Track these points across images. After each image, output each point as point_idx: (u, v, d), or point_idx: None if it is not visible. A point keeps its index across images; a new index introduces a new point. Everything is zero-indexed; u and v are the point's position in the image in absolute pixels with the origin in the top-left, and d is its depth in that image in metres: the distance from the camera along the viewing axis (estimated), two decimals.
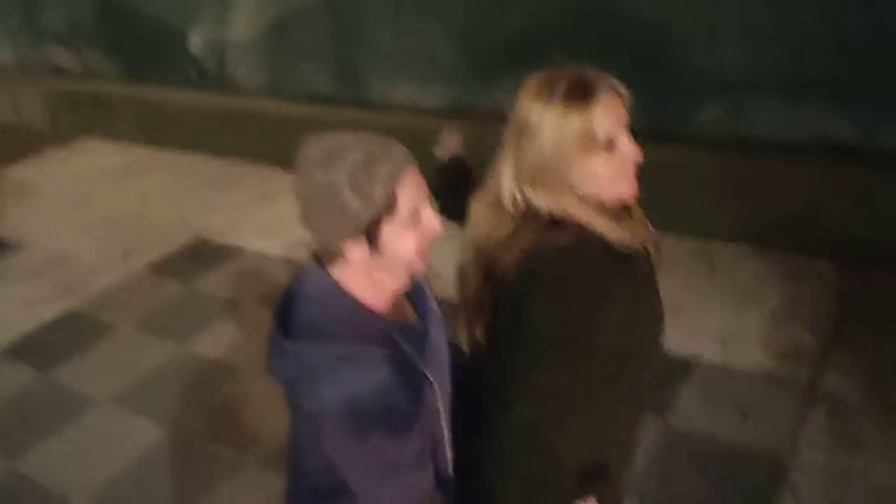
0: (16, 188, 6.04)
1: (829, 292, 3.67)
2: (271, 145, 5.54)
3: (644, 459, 2.75)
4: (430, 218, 1.34)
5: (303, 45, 5.57)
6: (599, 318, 1.35)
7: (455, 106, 5.01)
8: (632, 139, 1.37)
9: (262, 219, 5.07)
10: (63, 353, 3.84)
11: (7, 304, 4.34)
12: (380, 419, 1.27)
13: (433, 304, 1.53)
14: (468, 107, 4.90)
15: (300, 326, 1.32)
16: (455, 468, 1.51)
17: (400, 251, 1.32)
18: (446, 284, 1.69)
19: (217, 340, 3.82)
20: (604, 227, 1.37)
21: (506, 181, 1.41)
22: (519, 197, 1.40)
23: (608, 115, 1.33)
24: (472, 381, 1.56)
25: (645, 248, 1.44)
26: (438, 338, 1.49)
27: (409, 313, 1.47)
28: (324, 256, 1.36)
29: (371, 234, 1.29)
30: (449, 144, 1.84)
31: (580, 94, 1.33)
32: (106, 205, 5.60)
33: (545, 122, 1.34)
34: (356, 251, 1.29)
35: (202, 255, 4.74)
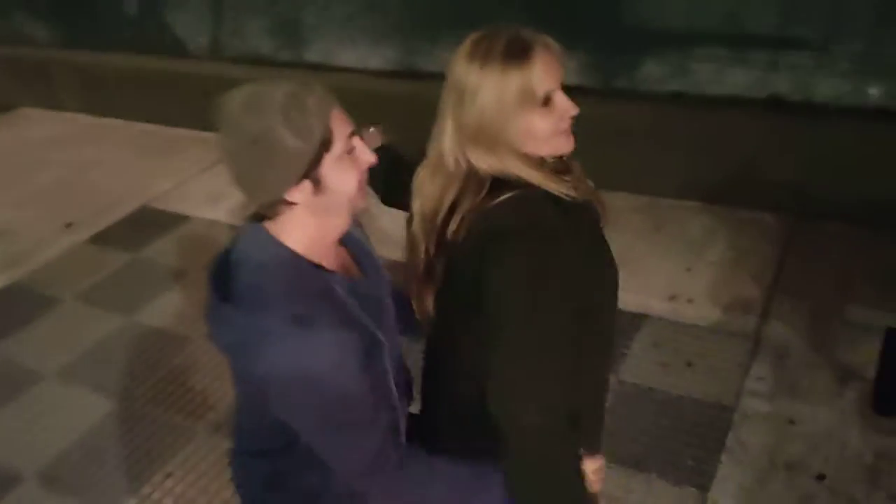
0: None
1: (772, 243, 3.75)
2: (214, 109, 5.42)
3: None
4: (363, 148, 1.32)
5: (244, 5, 5.44)
6: (558, 264, 1.36)
7: (400, 67, 4.96)
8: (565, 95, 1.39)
9: (208, 185, 4.98)
10: (7, 327, 3.76)
11: None
12: (331, 381, 1.25)
13: (376, 262, 1.53)
14: (413, 67, 4.86)
15: (243, 291, 1.29)
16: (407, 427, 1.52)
17: (343, 186, 1.29)
18: (390, 247, 1.69)
19: (164, 310, 3.78)
20: (547, 182, 1.38)
21: (447, 145, 1.40)
22: (462, 159, 1.39)
23: (546, 71, 1.34)
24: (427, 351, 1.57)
25: (589, 202, 1.46)
26: (384, 295, 1.49)
27: (355, 271, 1.46)
28: (265, 213, 1.32)
29: (313, 174, 1.25)
30: (371, 142, 1.80)
31: (517, 53, 1.33)
32: (47, 176, 5.45)
33: (484, 82, 1.33)
34: (298, 196, 1.26)
35: (147, 223, 4.66)
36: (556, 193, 1.38)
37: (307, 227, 1.31)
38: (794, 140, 3.85)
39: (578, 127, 1.41)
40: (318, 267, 1.32)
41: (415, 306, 1.55)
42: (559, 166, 1.44)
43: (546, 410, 1.35)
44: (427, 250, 1.48)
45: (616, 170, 3.78)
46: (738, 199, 4.04)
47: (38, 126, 6.45)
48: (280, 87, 1.24)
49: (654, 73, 4.19)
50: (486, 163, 1.37)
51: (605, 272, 1.51)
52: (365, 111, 1.53)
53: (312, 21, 5.21)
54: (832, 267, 3.52)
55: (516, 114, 1.34)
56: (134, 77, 6.03)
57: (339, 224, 1.36)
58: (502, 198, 1.36)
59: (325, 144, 1.25)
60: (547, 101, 1.35)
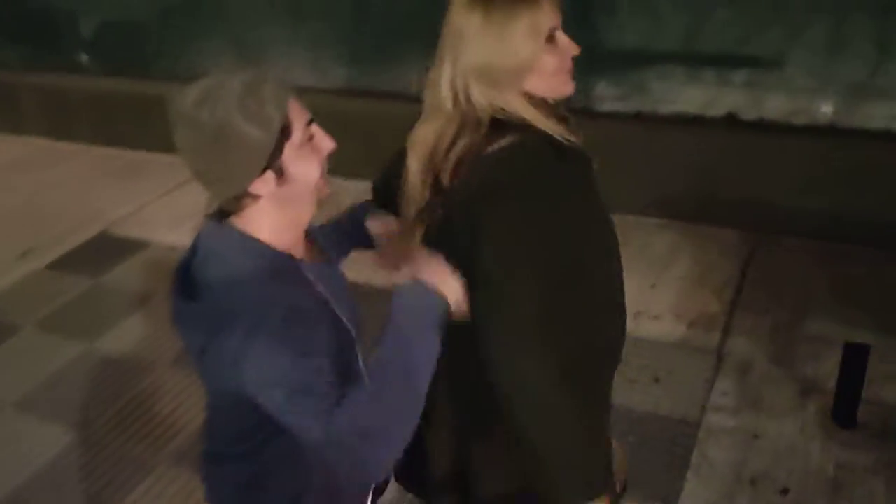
0: None
1: (734, 259, 3.79)
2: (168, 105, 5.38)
3: None
4: (322, 135, 1.32)
5: (205, 26, 5.42)
6: (557, 213, 1.39)
7: (351, 87, 4.98)
8: None
9: (169, 209, 4.93)
10: None
11: None
12: (301, 370, 1.22)
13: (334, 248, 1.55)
14: (364, 88, 4.88)
15: (214, 287, 1.27)
16: None
17: (306, 174, 1.29)
18: None
19: (125, 336, 3.70)
20: (546, 122, 1.40)
21: (445, 87, 1.41)
22: (462, 96, 1.40)
23: (551, 9, 1.38)
24: None
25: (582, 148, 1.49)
26: (343, 277, 1.50)
27: (316, 255, 1.46)
28: (230, 209, 1.30)
29: (275, 164, 1.24)
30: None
31: None
32: (6, 199, 5.35)
33: (491, 17, 1.35)
34: (263, 187, 1.25)
35: (108, 249, 4.59)
36: (555, 136, 1.40)
37: (274, 219, 1.30)
38: (750, 157, 3.91)
39: None
40: (291, 257, 1.32)
41: (400, 240, 1.55)
42: (558, 114, 1.46)
43: (541, 362, 1.38)
44: (426, 195, 1.48)
45: None
46: (699, 215, 4.08)
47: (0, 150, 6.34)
48: (234, 78, 1.23)
49: (610, 93, 4.23)
50: (486, 98, 1.39)
51: (591, 228, 1.53)
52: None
53: (264, 41, 5.21)
54: (792, 281, 3.57)
55: (523, 47, 1.36)
56: (94, 99, 5.96)
57: (305, 213, 1.36)
58: (500, 144, 1.38)
59: (285, 133, 1.24)
60: (551, 39, 1.38)
